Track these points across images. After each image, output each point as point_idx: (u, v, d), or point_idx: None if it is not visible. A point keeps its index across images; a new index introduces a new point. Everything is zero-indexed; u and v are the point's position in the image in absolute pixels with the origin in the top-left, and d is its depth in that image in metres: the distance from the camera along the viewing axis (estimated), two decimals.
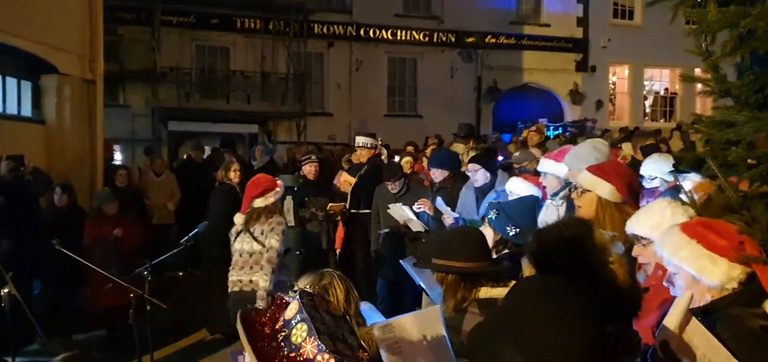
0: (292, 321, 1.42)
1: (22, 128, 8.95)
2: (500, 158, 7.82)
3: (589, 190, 3.21)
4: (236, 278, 5.49)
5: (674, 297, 2.30)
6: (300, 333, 1.40)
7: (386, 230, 6.72)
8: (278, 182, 5.65)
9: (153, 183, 10.31)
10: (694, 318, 1.90)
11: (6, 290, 4.44)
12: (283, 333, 1.42)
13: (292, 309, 1.44)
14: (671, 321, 1.93)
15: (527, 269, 1.99)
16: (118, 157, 17.08)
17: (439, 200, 6.04)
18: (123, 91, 18.72)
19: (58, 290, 7.19)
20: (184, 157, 12.31)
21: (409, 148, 10.85)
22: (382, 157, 8.63)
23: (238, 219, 5.55)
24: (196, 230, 5.70)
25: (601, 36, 22.68)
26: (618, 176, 3.19)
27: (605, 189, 3.17)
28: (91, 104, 9.83)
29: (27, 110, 9.16)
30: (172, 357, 6.70)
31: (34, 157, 8.60)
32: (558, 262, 1.89)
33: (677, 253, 2.17)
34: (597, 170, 3.23)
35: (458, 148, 8.32)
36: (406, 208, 6.43)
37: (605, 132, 15.83)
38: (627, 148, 7.16)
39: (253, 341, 1.42)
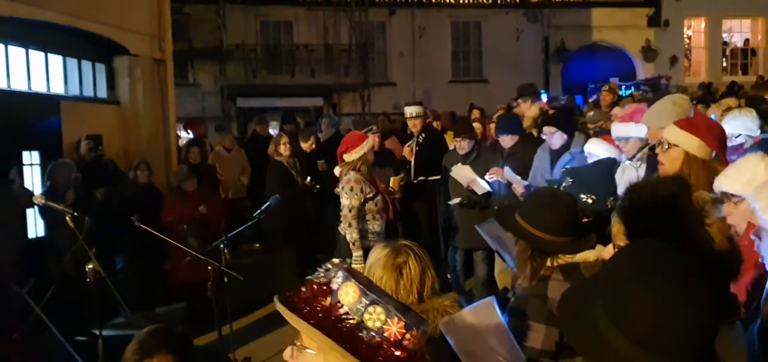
0: (359, 306, 1.34)
1: (99, 109, 9.23)
2: None
3: (676, 145, 3.03)
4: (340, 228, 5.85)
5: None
6: (376, 316, 1.32)
7: (457, 201, 6.61)
8: (365, 137, 5.77)
9: (224, 159, 10.55)
10: None
11: (91, 266, 4.59)
12: (352, 320, 1.33)
13: (350, 294, 1.35)
14: None
15: (616, 226, 1.87)
16: (189, 135, 17.54)
17: (507, 169, 5.91)
18: (192, 70, 19.15)
19: (140, 265, 7.44)
20: (250, 132, 12.52)
21: (476, 112, 10.60)
22: (433, 124, 8.49)
23: (336, 172, 5.90)
24: (267, 203, 5.80)
25: None
26: (708, 131, 3.00)
27: (693, 144, 2.98)
28: (162, 83, 10.04)
29: (102, 91, 9.43)
30: (248, 327, 6.84)
31: (111, 136, 8.89)
32: (650, 222, 1.77)
33: None
34: (686, 124, 3.04)
35: (525, 109, 8.00)
36: (467, 168, 6.31)
37: (683, 89, 15.19)
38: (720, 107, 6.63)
39: (328, 330, 1.32)
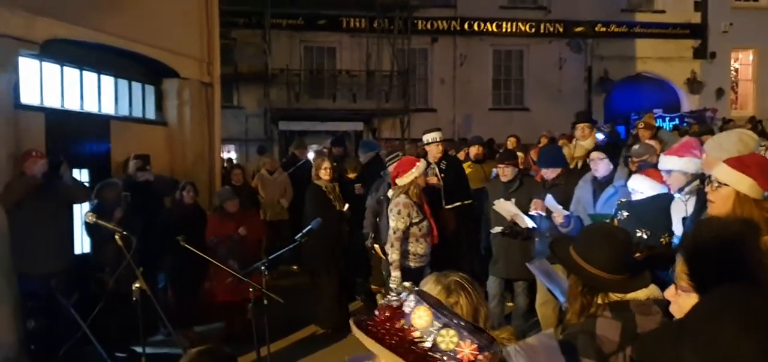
0: (431, 329, 1.36)
1: (147, 130, 9.44)
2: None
3: (726, 184, 2.95)
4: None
5: None
6: (449, 338, 1.35)
7: (498, 230, 6.55)
8: (416, 163, 6.06)
9: (267, 181, 10.68)
10: None
11: (137, 284, 4.68)
12: (425, 343, 1.35)
13: (423, 317, 1.38)
14: None
15: (679, 266, 1.84)
16: (232, 156, 17.84)
17: (548, 197, 5.86)
18: (237, 93, 19.52)
19: (182, 284, 7.54)
20: (289, 154, 12.64)
21: (511, 140, 10.48)
22: (449, 152, 8.31)
23: (390, 194, 6.23)
24: (309, 226, 5.84)
25: (722, 20, 21.26)
26: (761, 170, 2.91)
27: (744, 184, 2.88)
28: (209, 106, 10.24)
29: (151, 113, 9.65)
30: (285, 350, 6.87)
31: (158, 156, 9.08)
32: (712, 263, 1.73)
33: None
34: (737, 163, 2.95)
35: (583, 133, 7.83)
36: (510, 203, 6.27)
37: (728, 121, 14.88)
38: None
39: (403, 354, 1.35)
